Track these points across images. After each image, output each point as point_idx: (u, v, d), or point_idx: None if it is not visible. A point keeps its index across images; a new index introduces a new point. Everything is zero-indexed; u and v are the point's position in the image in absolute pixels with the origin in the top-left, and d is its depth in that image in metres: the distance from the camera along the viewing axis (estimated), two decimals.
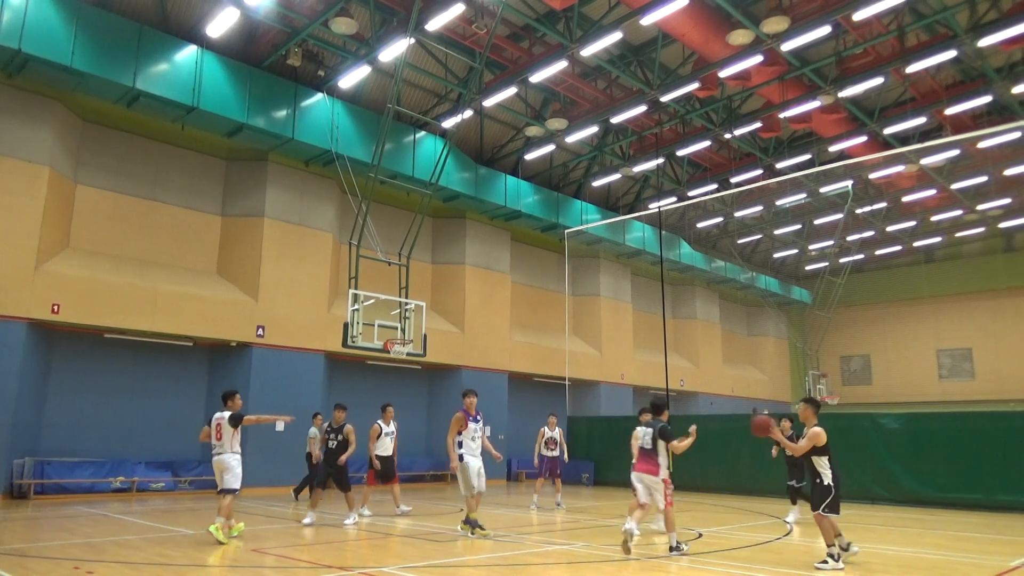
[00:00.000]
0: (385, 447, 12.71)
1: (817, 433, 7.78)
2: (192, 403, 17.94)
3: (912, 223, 31.99)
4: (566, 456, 15.65)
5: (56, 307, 15.06)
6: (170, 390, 17.69)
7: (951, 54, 17.43)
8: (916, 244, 34.32)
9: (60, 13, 14.47)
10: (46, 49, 14.17)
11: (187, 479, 16.91)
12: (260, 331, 17.99)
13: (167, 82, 15.87)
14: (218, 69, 16.73)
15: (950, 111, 20.52)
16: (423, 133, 20.88)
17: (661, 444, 8.68)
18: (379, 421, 12.84)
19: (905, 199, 28.51)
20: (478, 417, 10.47)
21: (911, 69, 18.43)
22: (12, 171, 14.70)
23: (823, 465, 7.77)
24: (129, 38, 15.40)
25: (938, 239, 33.74)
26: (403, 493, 13.85)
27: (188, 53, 16.27)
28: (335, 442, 11.65)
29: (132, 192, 17.33)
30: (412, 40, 15.75)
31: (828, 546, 7.70)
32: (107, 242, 16.79)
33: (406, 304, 16.30)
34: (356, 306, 15.19)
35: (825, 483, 7.72)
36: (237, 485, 9.29)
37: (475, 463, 10.04)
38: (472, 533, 10.01)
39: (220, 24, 15.94)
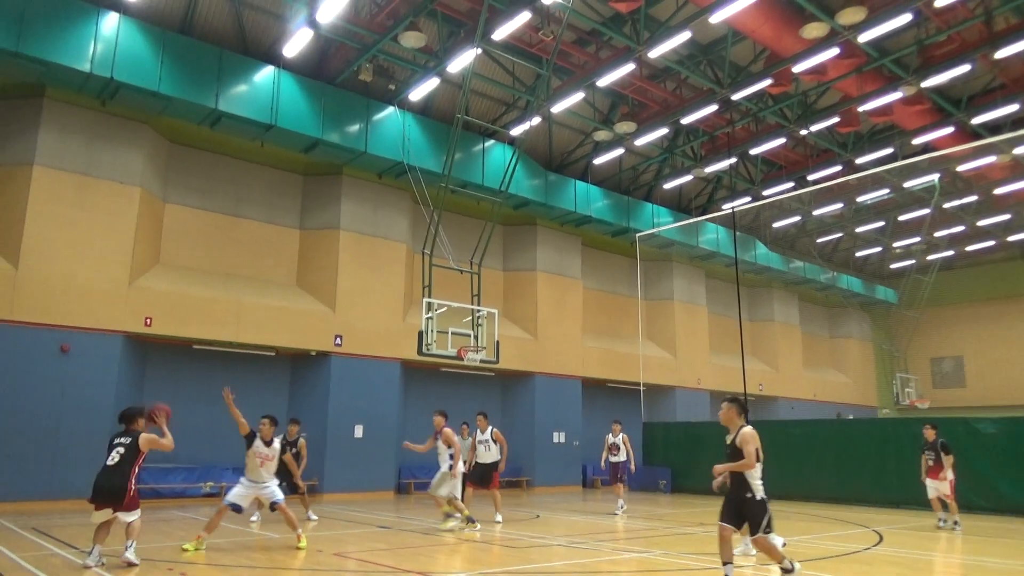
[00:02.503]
0: (479, 454, 12.96)
1: (753, 434, 6.52)
2: (276, 410, 18.39)
3: (1006, 216, 30.26)
4: (632, 464, 15.48)
5: (149, 320, 15.84)
6: (254, 398, 18.29)
7: None
8: (1011, 239, 32.43)
9: (148, 41, 15.28)
10: (136, 76, 14.99)
11: None
12: (338, 340, 18.46)
13: (247, 102, 16.53)
14: (294, 87, 17.32)
15: None
16: (492, 142, 21.06)
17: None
18: (476, 429, 13.20)
19: (997, 191, 27.02)
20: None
21: (1000, 55, 17.48)
22: (108, 193, 15.58)
23: (755, 476, 6.49)
24: (211, 62, 16.13)
25: None
26: (477, 500, 13.89)
27: (266, 74, 16.91)
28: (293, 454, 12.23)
29: (216, 209, 18.10)
30: (479, 50, 15.93)
31: (779, 563, 6.55)
32: (194, 257, 17.57)
33: (478, 311, 16.44)
34: (430, 314, 15.42)
35: (758, 498, 6.46)
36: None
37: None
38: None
39: (295, 44, 16.50)
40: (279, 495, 9.52)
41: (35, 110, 15.13)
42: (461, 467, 11.72)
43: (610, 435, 15.47)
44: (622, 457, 15.25)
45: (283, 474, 11.55)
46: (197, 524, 11.90)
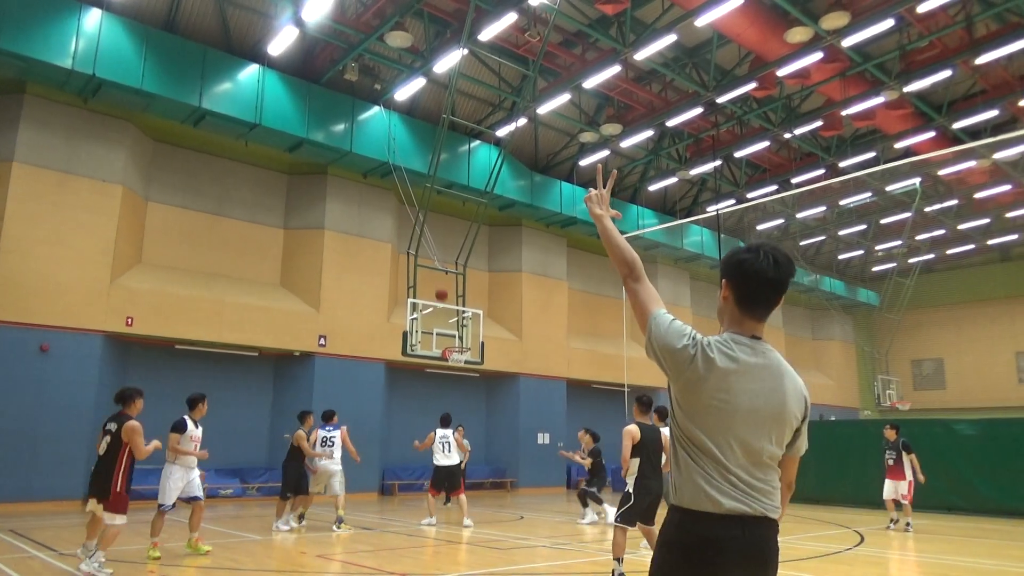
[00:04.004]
0: (437, 455, 12.40)
1: (627, 431, 7.14)
2: (259, 411, 18.44)
3: (986, 220, 30.64)
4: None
5: (130, 320, 15.68)
6: (237, 399, 18.19)
7: None
8: (990, 242, 32.85)
9: (131, 38, 15.13)
10: (118, 73, 14.83)
11: (255, 485, 17.36)
12: (322, 340, 18.37)
13: (231, 100, 16.41)
14: (279, 86, 17.21)
15: None
16: (478, 142, 21.05)
17: None
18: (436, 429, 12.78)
19: (978, 195, 27.34)
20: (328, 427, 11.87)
21: (981, 60, 17.71)
22: (89, 190, 15.40)
23: (632, 470, 7.08)
24: (195, 59, 15.99)
25: (1014, 236, 32.19)
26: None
27: (250, 72, 16.79)
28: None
29: (199, 208, 17.95)
30: (465, 51, 15.92)
31: (614, 559, 6.90)
32: (176, 256, 17.41)
33: (463, 312, 16.42)
34: (415, 315, 15.37)
35: (626, 490, 7.10)
36: (161, 500, 8.68)
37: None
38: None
39: (280, 43, 16.40)
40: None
41: (15, 106, 14.93)
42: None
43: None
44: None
45: (298, 472, 11.39)
46: (179, 526, 11.79)
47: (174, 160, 17.72)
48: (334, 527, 11.20)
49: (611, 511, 11.61)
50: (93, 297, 15.19)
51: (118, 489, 6.99)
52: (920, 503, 15.65)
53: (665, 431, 7.81)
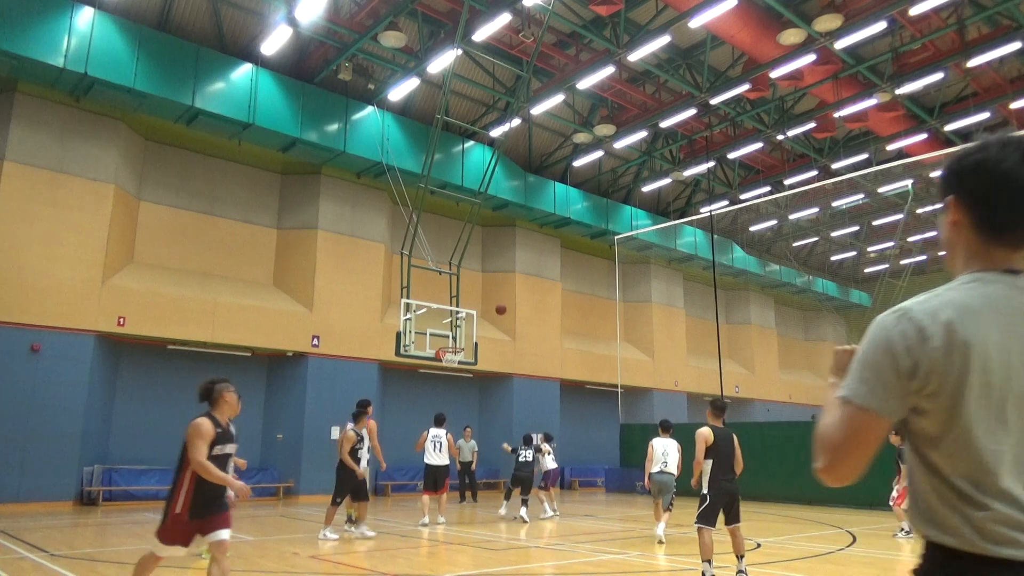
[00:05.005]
0: (429, 454, 12.51)
1: (700, 434, 7.41)
2: (251, 412, 18.32)
3: None
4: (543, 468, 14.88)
5: (122, 320, 15.61)
6: None
7: (1015, 46, 16.78)
8: None
9: (123, 37, 15.07)
10: (110, 72, 14.77)
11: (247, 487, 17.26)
12: (315, 341, 18.33)
13: (224, 100, 16.37)
14: (272, 86, 17.17)
15: (1015, 105, 19.76)
16: (472, 143, 21.04)
17: None
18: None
19: None
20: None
21: (972, 63, 17.81)
22: (80, 190, 15.33)
23: (705, 471, 7.33)
24: (188, 59, 15.94)
25: None
26: (447, 502, 13.70)
27: (243, 71, 16.75)
28: None
29: (192, 207, 17.89)
30: (459, 51, 15.91)
31: (703, 560, 7.12)
32: (169, 256, 17.35)
33: (457, 313, 16.41)
34: (408, 315, 15.36)
35: (702, 492, 7.33)
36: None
37: None
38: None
39: (274, 42, 16.36)
40: None
41: (6, 105, 14.85)
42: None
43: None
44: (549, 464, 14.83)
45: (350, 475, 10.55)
46: None
47: (167, 159, 17.65)
48: (346, 527, 11.08)
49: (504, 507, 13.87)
50: (85, 297, 15.12)
51: (175, 511, 5.08)
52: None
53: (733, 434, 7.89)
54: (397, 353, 15.35)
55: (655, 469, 11.03)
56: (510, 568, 8.35)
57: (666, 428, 11.39)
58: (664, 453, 11.03)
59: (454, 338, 16.03)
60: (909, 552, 10.08)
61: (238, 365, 18.42)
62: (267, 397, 18.73)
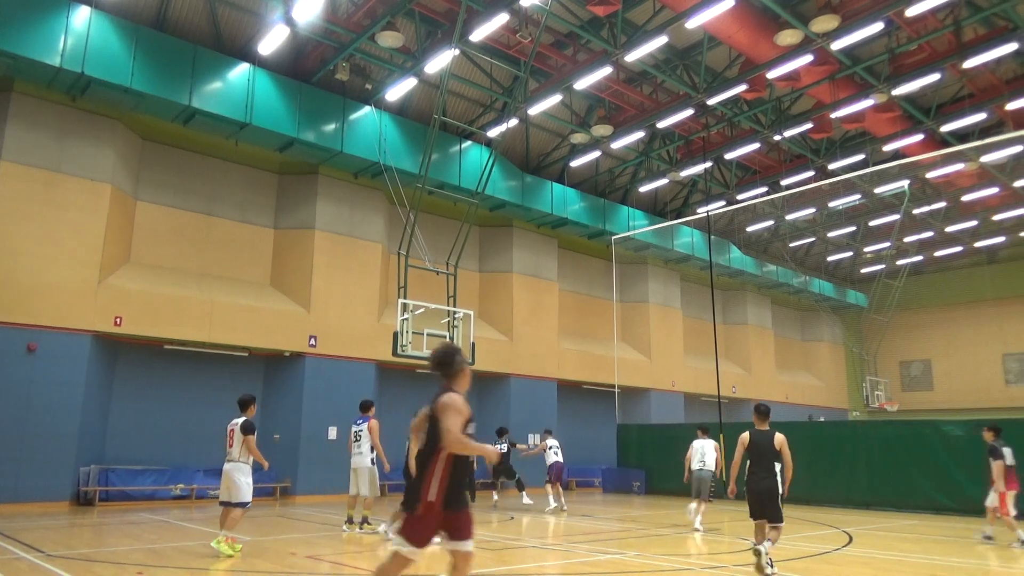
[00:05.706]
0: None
1: (739, 438, 8.14)
2: None
3: (973, 223, 30.87)
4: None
5: (119, 320, 15.58)
6: (227, 399, 17.98)
7: (1011, 47, 16.83)
8: (978, 244, 33.10)
9: (120, 36, 15.05)
10: (107, 71, 14.74)
11: None
12: (312, 341, 18.31)
13: (221, 100, 16.34)
14: (269, 86, 17.15)
15: (1011, 106, 19.80)
16: (469, 143, 21.04)
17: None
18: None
19: (965, 198, 27.55)
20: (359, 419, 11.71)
21: (969, 64, 17.85)
22: (77, 189, 15.30)
23: (745, 471, 8.11)
24: (184, 58, 15.92)
25: (1001, 239, 32.48)
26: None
27: (241, 71, 16.73)
28: None
29: (189, 207, 17.86)
30: (457, 51, 15.91)
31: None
32: (166, 256, 17.32)
33: (454, 313, 16.41)
34: (405, 315, 15.36)
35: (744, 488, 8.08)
36: (246, 499, 8.80)
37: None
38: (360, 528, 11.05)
39: (271, 42, 16.34)
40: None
41: (2, 104, 14.82)
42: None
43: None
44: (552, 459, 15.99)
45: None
46: (168, 527, 11.74)
47: (163, 159, 17.62)
48: (357, 528, 11.08)
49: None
50: (81, 297, 15.09)
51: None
52: (909, 504, 15.79)
53: (779, 435, 8.17)
54: (394, 353, 15.35)
55: (695, 467, 12.50)
56: (509, 568, 8.36)
57: (704, 430, 12.91)
58: (702, 452, 12.53)
59: (451, 338, 16.04)
60: (908, 550, 10.09)
61: (235, 365, 18.40)
62: (264, 397, 18.66)
